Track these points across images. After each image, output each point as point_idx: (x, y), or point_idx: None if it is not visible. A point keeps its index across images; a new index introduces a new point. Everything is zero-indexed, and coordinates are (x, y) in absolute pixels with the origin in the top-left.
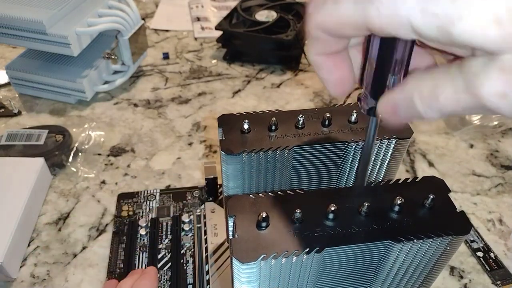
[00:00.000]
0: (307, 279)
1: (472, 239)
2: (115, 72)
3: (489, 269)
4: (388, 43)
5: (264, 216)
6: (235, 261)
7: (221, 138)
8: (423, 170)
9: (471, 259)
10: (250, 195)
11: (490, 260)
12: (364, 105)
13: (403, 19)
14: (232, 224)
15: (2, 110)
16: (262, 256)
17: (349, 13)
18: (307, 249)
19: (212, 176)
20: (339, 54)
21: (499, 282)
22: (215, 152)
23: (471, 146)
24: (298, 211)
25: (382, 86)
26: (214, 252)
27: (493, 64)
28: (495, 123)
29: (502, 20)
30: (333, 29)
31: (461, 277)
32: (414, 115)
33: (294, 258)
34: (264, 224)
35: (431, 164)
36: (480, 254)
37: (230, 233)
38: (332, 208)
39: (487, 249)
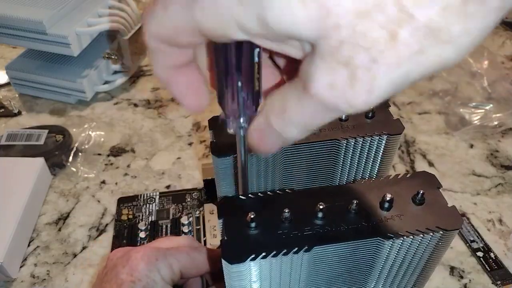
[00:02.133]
0: (298, 279)
1: (472, 239)
2: (115, 72)
3: (489, 269)
4: (227, 50)
5: (252, 217)
6: (224, 263)
7: (212, 140)
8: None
9: (471, 259)
10: (240, 196)
11: (490, 260)
12: (232, 125)
13: (226, 15)
14: (221, 225)
15: (2, 110)
16: (251, 257)
17: (178, 17)
18: (296, 249)
19: (210, 178)
20: (189, 66)
21: (499, 282)
22: None
23: (471, 146)
24: (287, 211)
25: (234, 101)
26: None
27: (315, 56)
28: (495, 123)
29: None
30: (168, 37)
31: (461, 277)
32: (280, 139)
33: (283, 258)
34: (253, 225)
35: (431, 164)
36: (480, 254)
37: (220, 235)
38: (321, 207)
39: (487, 249)
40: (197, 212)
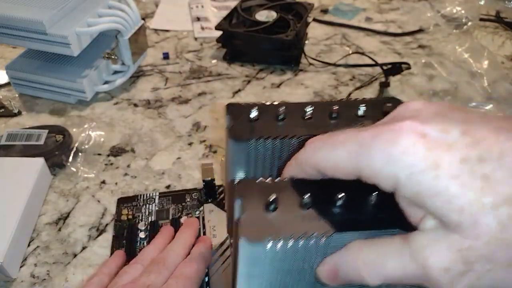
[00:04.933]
0: (311, 268)
1: None
2: (115, 72)
3: None
4: None
5: (273, 198)
6: (242, 242)
7: (228, 125)
8: None
9: None
10: (258, 180)
11: None
12: None
13: (390, 175)
14: (239, 206)
15: (2, 110)
16: (270, 237)
17: (343, 159)
18: (316, 233)
19: (209, 178)
20: None
21: None
22: (215, 152)
23: None
24: (307, 196)
25: None
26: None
27: (443, 241)
28: None
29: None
30: (327, 170)
31: None
32: (356, 279)
33: (302, 241)
34: (272, 207)
35: None
36: None
37: (237, 215)
38: (341, 195)
39: None
40: (197, 212)
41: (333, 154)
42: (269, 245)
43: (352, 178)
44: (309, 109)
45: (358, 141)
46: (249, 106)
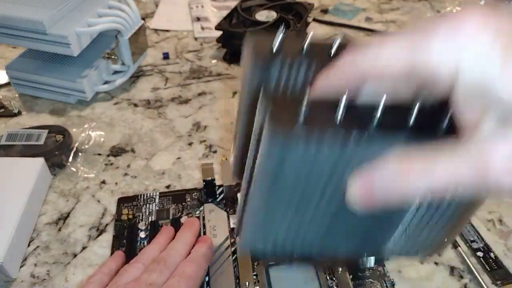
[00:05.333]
0: (341, 188)
1: (472, 239)
2: (115, 72)
3: (489, 269)
4: None
5: (305, 102)
6: (270, 135)
7: (248, 52)
8: None
9: (471, 259)
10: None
11: (490, 260)
12: None
13: (451, 61)
14: (265, 106)
15: (2, 110)
16: (302, 132)
17: (394, 55)
18: (354, 133)
19: (209, 178)
20: None
21: (499, 282)
22: (215, 152)
23: None
24: (343, 100)
25: None
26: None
27: (509, 138)
28: None
29: None
30: (374, 70)
31: (461, 277)
32: (396, 196)
33: (339, 141)
34: (304, 110)
35: None
36: (480, 254)
37: (262, 117)
38: (381, 104)
39: (487, 249)
40: (197, 212)
41: (381, 51)
42: (300, 142)
43: (402, 76)
44: (335, 46)
45: (412, 33)
46: (270, 39)
